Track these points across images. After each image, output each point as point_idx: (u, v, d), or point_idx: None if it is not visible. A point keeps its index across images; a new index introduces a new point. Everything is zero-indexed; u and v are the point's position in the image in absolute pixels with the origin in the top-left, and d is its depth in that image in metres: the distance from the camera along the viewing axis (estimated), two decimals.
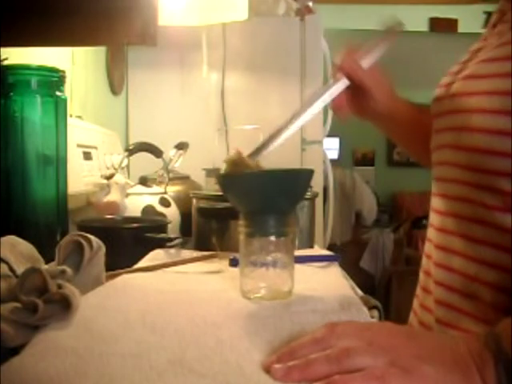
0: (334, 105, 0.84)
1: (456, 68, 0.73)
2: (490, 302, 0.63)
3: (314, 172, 0.73)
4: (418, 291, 0.78)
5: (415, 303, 0.79)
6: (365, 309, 0.66)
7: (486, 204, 0.63)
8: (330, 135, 2.50)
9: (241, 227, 0.70)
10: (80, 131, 1.36)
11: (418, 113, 0.89)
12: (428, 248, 0.75)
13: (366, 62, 0.81)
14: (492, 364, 0.46)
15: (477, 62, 0.67)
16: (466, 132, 0.65)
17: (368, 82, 0.82)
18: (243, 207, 0.71)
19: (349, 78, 0.80)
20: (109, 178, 1.25)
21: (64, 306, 0.55)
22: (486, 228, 0.64)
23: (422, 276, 0.77)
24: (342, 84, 0.80)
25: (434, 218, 0.74)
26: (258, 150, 0.73)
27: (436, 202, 0.74)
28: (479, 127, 0.63)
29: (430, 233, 0.75)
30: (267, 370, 0.46)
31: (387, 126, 0.92)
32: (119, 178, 1.26)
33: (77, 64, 1.52)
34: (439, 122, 0.73)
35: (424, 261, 0.77)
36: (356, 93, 0.84)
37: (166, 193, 1.36)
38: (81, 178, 1.29)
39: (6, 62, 0.88)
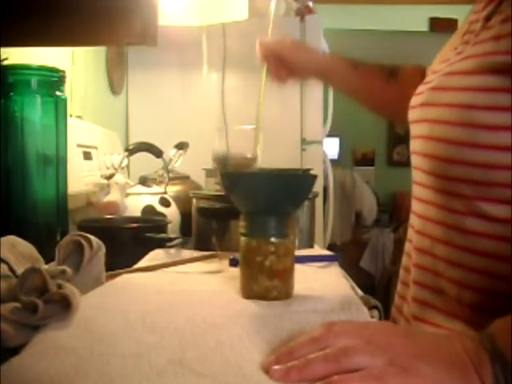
0: (274, 77, 1.09)
1: (429, 78, 0.77)
2: (456, 297, 0.66)
3: (317, 177, 0.75)
4: (399, 286, 0.81)
5: (396, 298, 0.82)
6: (365, 309, 0.66)
7: (448, 208, 0.67)
8: (329, 135, 2.50)
9: (241, 228, 0.70)
10: (80, 131, 1.36)
11: (348, 65, 1.04)
12: (408, 248, 0.79)
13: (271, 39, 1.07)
14: (489, 363, 0.46)
15: (441, 75, 0.71)
16: (430, 141, 0.69)
17: (283, 51, 1.04)
18: (245, 207, 0.71)
19: (271, 57, 1.05)
20: (109, 178, 1.25)
21: (64, 306, 0.55)
22: (448, 230, 0.67)
23: (401, 272, 0.81)
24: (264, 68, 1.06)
25: (413, 220, 0.78)
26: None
27: (413, 204, 0.78)
28: (440, 137, 0.66)
29: (411, 234, 0.78)
30: (266, 370, 0.46)
31: (328, 81, 1.12)
32: (119, 178, 1.26)
33: (77, 64, 1.52)
34: (412, 129, 0.77)
35: (404, 259, 0.81)
36: (283, 63, 1.05)
37: (166, 193, 1.36)
38: (81, 178, 1.29)
39: (5, 62, 0.88)
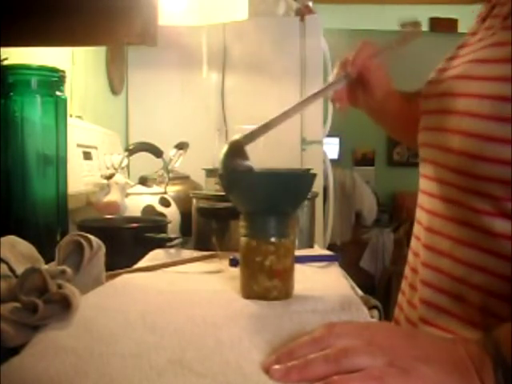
0: (335, 97, 0.86)
1: (444, 65, 0.72)
2: (479, 305, 0.62)
3: (316, 175, 0.73)
4: (405, 287, 0.78)
5: (401, 299, 0.79)
6: (365, 309, 0.66)
7: (474, 208, 0.62)
8: (329, 135, 2.50)
9: (241, 228, 0.70)
10: (80, 131, 1.36)
11: (406, 102, 0.89)
12: (415, 245, 0.75)
13: (377, 60, 0.82)
14: (491, 369, 0.46)
15: (466, 62, 0.65)
16: (456, 135, 0.63)
17: (371, 77, 0.83)
18: (245, 207, 0.71)
19: (359, 73, 0.80)
20: (109, 177, 1.25)
21: (64, 306, 0.55)
22: (473, 231, 0.63)
23: (408, 272, 0.77)
24: (345, 81, 0.81)
25: (421, 216, 0.73)
26: (251, 136, 0.74)
27: (424, 200, 0.73)
28: (469, 131, 0.61)
29: (418, 231, 0.74)
30: (266, 370, 0.46)
31: (378, 116, 0.92)
32: (119, 177, 1.26)
33: (77, 64, 1.52)
34: (427, 120, 0.72)
35: (411, 257, 0.76)
36: (355, 85, 0.84)
37: (166, 193, 1.36)
38: (81, 178, 1.29)
39: (5, 62, 0.88)
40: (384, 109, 0.89)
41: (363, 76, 0.82)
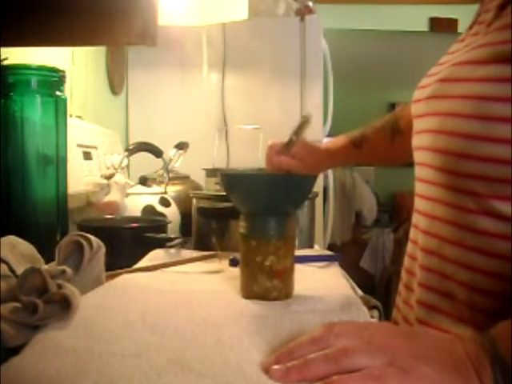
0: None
1: (433, 70, 0.74)
2: (467, 301, 0.63)
3: (317, 177, 0.74)
4: (401, 288, 0.78)
5: (398, 299, 0.80)
6: (365, 309, 0.66)
7: (459, 206, 0.63)
8: (329, 135, 2.50)
9: (241, 228, 0.70)
10: (80, 131, 1.36)
11: (353, 148, 1.07)
12: (412, 249, 0.76)
13: (289, 150, 0.97)
14: (489, 366, 0.46)
15: (451, 65, 0.67)
16: (441, 135, 0.65)
17: (295, 165, 0.98)
18: (245, 208, 0.71)
19: (278, 170, 0.96)
20: (109, 177, 1.25)
21: (64, 306, 0.55)
22: (459, 230, 0.64)
23: (404, 274, 0.78)
24: None
25: (418, 219, 0.74)
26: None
27: (418, 203, 0.74)
28: (452, 131, 0.63)
29: (415, 234, 0.75)
30: (266, 370, 0.46)
31: (337, 166, 1.14)
32: (119, 177, 1.26)
33: (77, 64, 1.52)
34: (417, 123, 0.74)
35: (406, 260, 0.77)
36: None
37: (166, 193, 1.36)
38: (81, 177, 1.29)
39: (5, 62, 0.88)
40: (336, 163, 1.13)
41: (287, 169, 0.97)
